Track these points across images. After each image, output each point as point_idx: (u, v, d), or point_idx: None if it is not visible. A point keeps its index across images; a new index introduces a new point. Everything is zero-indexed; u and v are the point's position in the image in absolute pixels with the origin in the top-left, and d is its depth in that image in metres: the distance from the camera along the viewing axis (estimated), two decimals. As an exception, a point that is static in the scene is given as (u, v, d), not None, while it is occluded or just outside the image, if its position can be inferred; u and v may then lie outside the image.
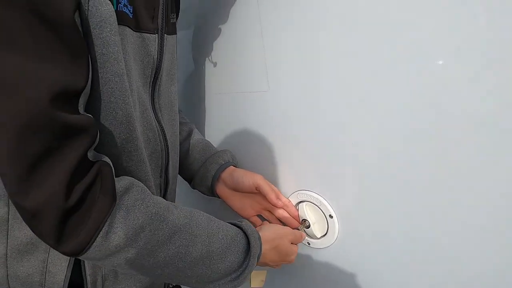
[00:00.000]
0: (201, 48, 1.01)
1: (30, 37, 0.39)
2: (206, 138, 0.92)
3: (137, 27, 0.54)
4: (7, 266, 0.53)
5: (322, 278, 0.85)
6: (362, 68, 0.66)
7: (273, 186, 0.80)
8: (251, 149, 0.94)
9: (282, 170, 0.86)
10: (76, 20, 0.43)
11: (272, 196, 0.75)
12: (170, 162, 0.68)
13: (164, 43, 0.61)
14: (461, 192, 0.59)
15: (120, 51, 0.49)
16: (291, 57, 0.77)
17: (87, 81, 0.44)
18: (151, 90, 0.61)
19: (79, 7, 0.43)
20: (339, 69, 0.70)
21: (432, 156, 0.61)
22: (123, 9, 0.50)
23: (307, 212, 0.82)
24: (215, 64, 0.95)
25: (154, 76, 0.60)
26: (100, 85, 0.48)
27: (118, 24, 0.49)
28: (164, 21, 0.60)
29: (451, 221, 0.61)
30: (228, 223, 0.64)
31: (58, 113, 0.41)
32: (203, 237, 0.56)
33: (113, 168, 0.49)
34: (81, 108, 0.45)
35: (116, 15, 0.48)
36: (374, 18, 0.63)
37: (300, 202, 0.84)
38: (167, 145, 0.66)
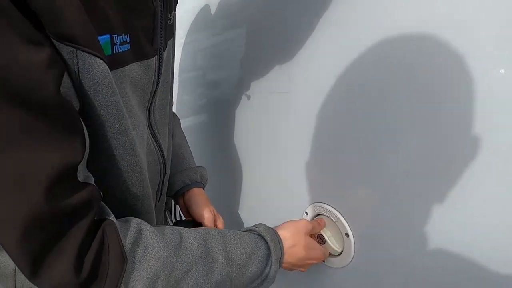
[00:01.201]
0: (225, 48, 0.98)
1: (19, 129, 0.35)
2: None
3: (138, 57, 0.49)
4: (15, 280, 0.54)
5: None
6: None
7: (217, 219, 0.75)
8: (268, 155, 0.89)
9: (300, 179, 0.80)
10: (65, 91, 0.38)
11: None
12: (166, 175, 0.67)
13: (163, 60, 0.56)
14: (482, 213, 0.49)
15: (121, 108, 0.44)
16: (316, 59, 0.71)
17: (84, 153, 0.41)
18: (148, 110, 0.57)
19: (68, 72, 0.38)
20: (368, 82, 0.62)
21: (449, 177, 0.52)
22: (119, 49, 0.45)
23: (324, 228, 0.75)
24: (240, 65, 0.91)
25: (152, 97, 0.56)
26: (102, 142, 0.45)
27: (117, 68, 0.45)
28: (162, 38, 0.54)
29: (465, 244, 0.51)
30: (244, 231, 0.62)
31: (59, 200, 0.39)
32: (220, 260, 0.54)
33: (116, 225, 0.45)
34: (80, 175, 0.41)
35: (114, 60, 0.44)
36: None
37: (318, 215, 0.77)
38: (165, 162, 0.64)
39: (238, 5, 0.92)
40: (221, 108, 1.06)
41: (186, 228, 0.55)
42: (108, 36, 0.42)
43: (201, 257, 0.52)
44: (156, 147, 0.61)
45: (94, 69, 0.39)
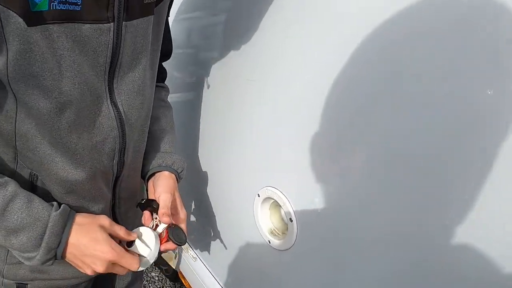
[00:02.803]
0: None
1: None
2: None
3: (88, 18, 0.53)
4: None
5: (282, 278, 0.81)
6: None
7: (179, 211, 0.71)
8: (231, 138, 0.91)
9: (256, 162, 0.82)
10: None
11: (160, 212, 0.66)
12: (128, 145, 0.66)
13: (123, 31, 0.58)
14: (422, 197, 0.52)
15: (32, 56, 0.50)
16: (278, 51, 0.71)
17: None
18: (110, 77, 0.60)
19: None
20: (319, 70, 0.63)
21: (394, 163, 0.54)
22: (58, 6, 0.49)
23: (270, 212, 0.78)
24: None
25: (111, 64, 0.59)
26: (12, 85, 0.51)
27: (54, 23, 0.50)
28: (123, 8, 0.57)
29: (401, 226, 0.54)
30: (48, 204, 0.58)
31: None
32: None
33: None
34: None
35: (50, 14, 0.49)
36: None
37: (268, 198, 0.79)
38: (124, 130, 0.64)
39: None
40: (197, 91, 1.07)
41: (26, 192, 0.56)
42: None
43: None
44: (114, 113, 0.62)
45: (10, 20, 0.47)
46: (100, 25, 0.55)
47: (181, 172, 0.76)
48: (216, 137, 0.99)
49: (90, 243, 0.57)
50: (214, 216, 1.05)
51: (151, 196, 0.71)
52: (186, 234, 0.67)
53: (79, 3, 0.51)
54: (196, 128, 1.06)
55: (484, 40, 0.43)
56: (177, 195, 0.72)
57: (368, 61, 0.56)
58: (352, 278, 0.65)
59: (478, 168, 0.45)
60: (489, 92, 0.44)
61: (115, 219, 0.72)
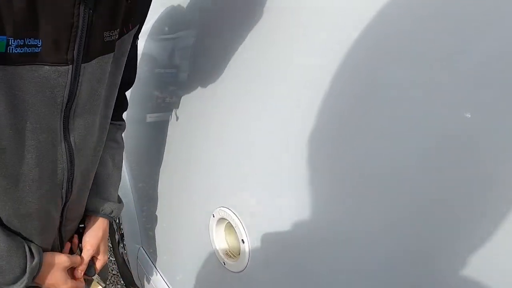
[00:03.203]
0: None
1: None
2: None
3: (47, 60, 0.55)
4: None
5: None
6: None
7: (99, 255, 0.83)
8: (188, 157, 0.90)
9: (209, 182, 0.81)
10: None
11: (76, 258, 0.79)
12: (76, 175, 0.69)
13: (81, 72, 0.60)
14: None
15: None
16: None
17: None
18: (65, 115, 0.62)
19: None
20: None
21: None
22: (15, 50, 0.50)
23: (225, 233, 0.77)
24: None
25: (67, 102, 0.61)
26: None
27: (9, 65, 0.51)
28: (83, 50, 0.58)
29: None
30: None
31: None
32: None
33: None
34: None
35: (7, 56, 0.49)
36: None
37: (221, 218, 0.78)
38: (73, 162, 0.68)
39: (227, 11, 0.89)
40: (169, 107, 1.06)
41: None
42: (4, 37, 0.48)
43: None
44: (66, 147, 0.65)
45: None
46: (59, 67, 0.56)
47: (116, 216, 0.86)
48: (175, 156, 0.98)
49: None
50: (175, 235, 1.03)
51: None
52: (95, 271, 0.83)
53: (39, 45, 0.52)
54: (160, 147, 1.05)
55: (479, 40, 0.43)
56: (103, 241, 0.83)
57: (339, 73, 0.56)
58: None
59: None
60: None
61: (60, 235, 0.76)
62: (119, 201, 0.89)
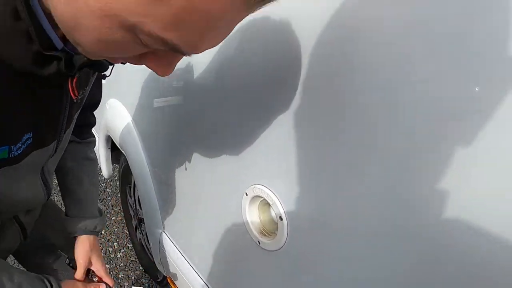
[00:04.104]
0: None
1: None
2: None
3: (38, 146, 0.60)
4: None
5: (273, 279, 0.78)
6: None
7: (84, 264, 0.89)
8: (211, 139, 0.87)
9: (241, 161, 0.79)
10: None
11: (77, 274, 0.88)
12: (49, 194, 0.79)
13: (62, 138, 0.68)
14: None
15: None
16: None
17: None
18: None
19: None
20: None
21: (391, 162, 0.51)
22: (16, 153, 0.54)
23: (258, 212, 0.75)
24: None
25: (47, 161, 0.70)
26: None
27: (11, 165, 0.55)
28: (63, 127, 0.64)
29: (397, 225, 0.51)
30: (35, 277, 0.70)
31: None
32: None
33: None
34: None
35: (9, 160, 0.54)
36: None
37: (256, 196, 0.76)
38: (48, 189, 0.76)
39: None
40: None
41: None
42: (6, 147, 0.51)
43: None
44: (43, 184, 0.74)
45: None
46: (47, 147, 0.63)
47: (100, 230, 0.95)
48: (196, 138, 0.95)
49: None
50: (202, 218, 1.01)
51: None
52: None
53: (30, 137, 0.55)
54: (178, 129, 1.03)
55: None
56: (94, 254, 0.91)
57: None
58: (346, 277, 0.62)
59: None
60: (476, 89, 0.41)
61: (25, 235, 0.87)
62: (100, 213, 0.96)
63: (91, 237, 0.92)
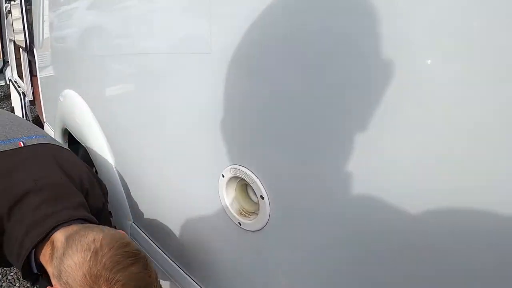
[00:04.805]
0: None
1: None
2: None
3: None
4: None
5: (254, 261, 0.77)
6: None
7: None
8: (185, 114, 0.84)
9: (217, 141, 0.76)
10: None
11: None
12: None
13: None
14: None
15: None
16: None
17: None
18: None
19: None
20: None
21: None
22: None
23: (236, 193, 0.73)
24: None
25: None
26: None
27: None
28: None
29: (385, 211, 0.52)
30: None
31: None
32: None
33: None
34: None
35: None
36: None
37: (232, 178, 0.74)
38: None
39: None
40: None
41: None
42: None
43: None
44: None
45: None
46: None
47: None
48: (168, 121, 0.91)
49: None
50: (175, 205, 0.98)
51: None
52: None
53: None
54: (149, 112, 0.98)
55: None
56: None
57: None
58: (332, 255, 0.62)
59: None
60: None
61: None
62: None
63: None
